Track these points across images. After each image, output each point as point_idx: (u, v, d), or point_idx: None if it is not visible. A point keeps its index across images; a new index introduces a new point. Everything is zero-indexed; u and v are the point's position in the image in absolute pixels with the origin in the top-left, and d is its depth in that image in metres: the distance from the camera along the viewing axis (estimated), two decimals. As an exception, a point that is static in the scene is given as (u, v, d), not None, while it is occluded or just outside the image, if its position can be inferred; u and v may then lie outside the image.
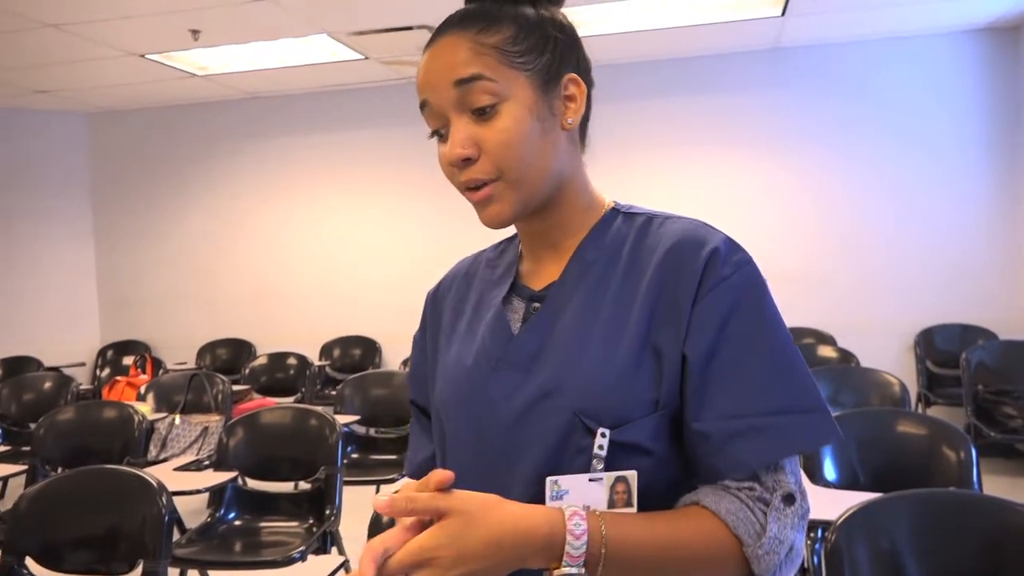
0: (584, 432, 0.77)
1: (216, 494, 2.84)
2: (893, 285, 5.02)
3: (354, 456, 3.75)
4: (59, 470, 3.01)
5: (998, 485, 3.98)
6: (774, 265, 5.02)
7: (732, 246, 0.81)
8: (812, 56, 5.12)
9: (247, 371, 5.19)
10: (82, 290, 6.43)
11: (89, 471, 2.15)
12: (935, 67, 4.95)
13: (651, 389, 0.78)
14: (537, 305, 0.87)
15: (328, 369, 5.74)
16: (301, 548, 2.59)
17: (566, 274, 0.86)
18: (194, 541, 2.67)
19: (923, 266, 4.98)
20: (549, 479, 0.75)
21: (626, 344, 0.79)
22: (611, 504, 0.75)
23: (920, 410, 4.71)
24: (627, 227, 0.87)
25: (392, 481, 3.41)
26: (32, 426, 3.31)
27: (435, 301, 1.00)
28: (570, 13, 0.89)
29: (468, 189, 0.83)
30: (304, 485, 2.91)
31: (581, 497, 0.74)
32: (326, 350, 5.90)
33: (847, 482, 2.19)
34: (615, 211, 0.90)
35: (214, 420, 3.59)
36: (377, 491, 3.39)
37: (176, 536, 2.64)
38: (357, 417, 3.70)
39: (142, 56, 4.82)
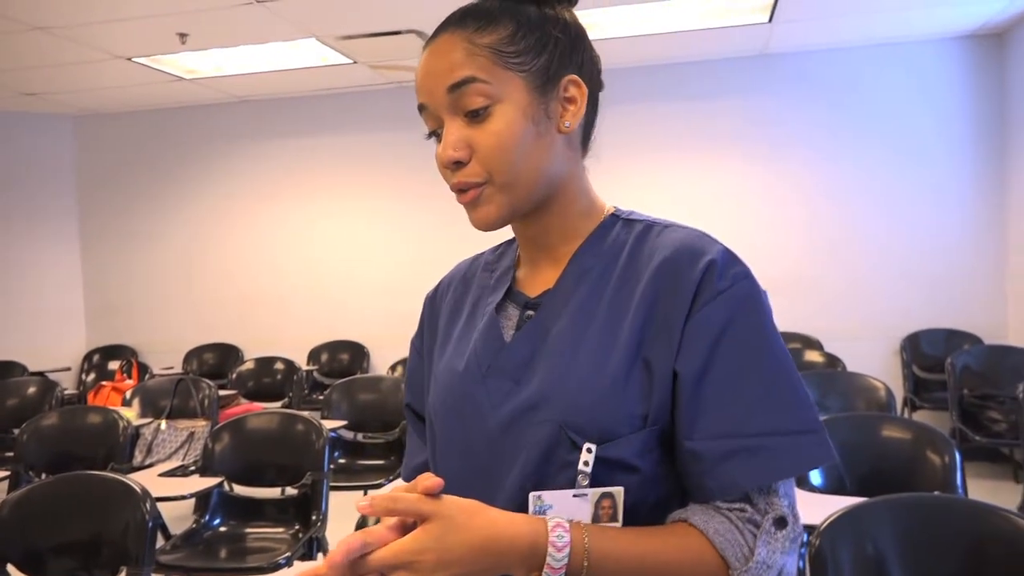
0: (570, 446, 0.76)
1: (201, 500, 2.82)
2: (879, 290, 5.05)
3: (341, 461, 3.73)
4: (43, 476, 2.98)
5: (983, 489, 4.00)
6: (761, 270, 5.00)
7: (730, 258, 0.79)
8: (799, 62, 5.15)
9: (234, 376, 5.16)
10: (68, 294, 6.38)
11: (72, 477, 2.13)
12: (921, 73, 4.98)
13: (640, 404, 0.76)
14: (531, 313, 0.86)
15: (316, 374, 5.71)
16: (287, 554, 2.57)
17: (561, 281, 0.85)
18: (179, 547, 2.65)
19: (909, 271, 5.01)
20: (532, 494, 0.74)
21: (617, 357, 0.77)
22: (596, 520, 0.74)
23: (906, 414, 4.73)
24: (626, 234, 0.86)
25: (379, 486, 3.40)
26: (16, 432, 3.28)
27: (433, 304, 0.99)
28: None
29: (459, 191, 0.82)
30: (290, 491, 2.89)
31: (565, 513, 0.74)
32: (314, 355, 5.87)
33: (833, 487, 2.20)
34: (615, 217, 0.88)
35: (200, 425, 3.57)
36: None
37: (161, 542, 2.62)
38: (344, 422, 3.68)
39: (129, 59, 4.79)
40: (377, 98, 5.77)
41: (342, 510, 2.85)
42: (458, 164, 0.80)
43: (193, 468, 2.91)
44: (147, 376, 5.27)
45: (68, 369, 6.24)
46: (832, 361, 4.11)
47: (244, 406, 4.29)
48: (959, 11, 4.44)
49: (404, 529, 0.70)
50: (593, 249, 0.86)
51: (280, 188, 6.05)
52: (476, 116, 0.79)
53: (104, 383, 4.70)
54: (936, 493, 2.02)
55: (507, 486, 0.78)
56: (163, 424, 3.57)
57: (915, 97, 4.99)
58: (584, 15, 4.19)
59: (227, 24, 4.21)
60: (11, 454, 3.18)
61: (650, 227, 0.86)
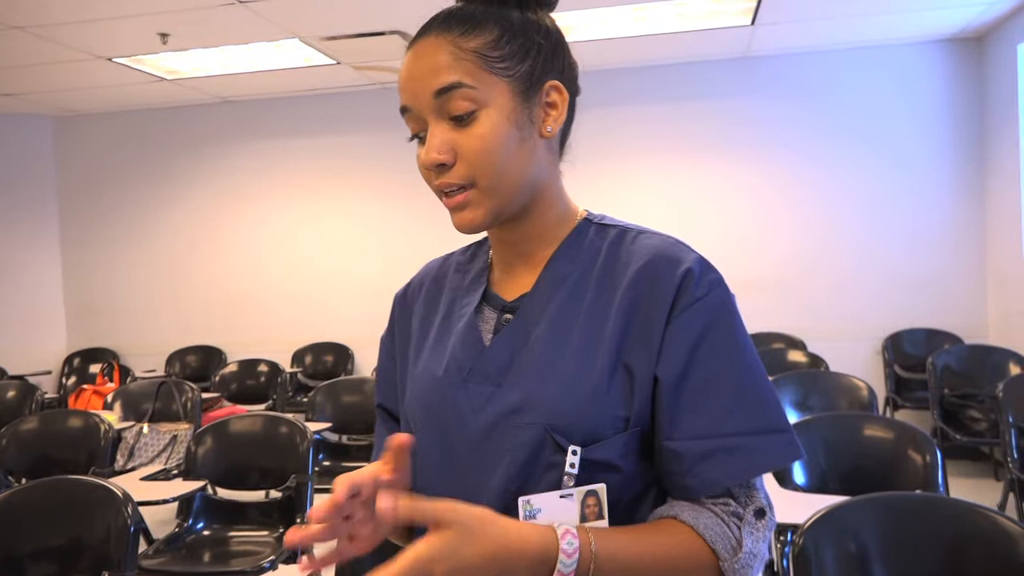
0: (555, 449, 0.77)
1: (184, 503, 2.80)
2: (861, 290, 5.09)
3: (325, 464, 3.72)
4: (22, 481, 2.94)
5: (964, 487, 4.04)
6: (744, 271, 5.08)
7: (705, 266, 0.81)
8: (781, 65, 5.18)
9: (217, 378, 5.13)
10: (48, 296, 6.31)
11: (52, 481, 2.12)
12: (902, 76, 5.03)
13: (622, 407, 0.78)
14: (509, 316, 0.86)
15: (300, 376, 5.68)
16: (271, 558, 2.56)
17: (539, 286, 0.86)
18: (161, 552, 2.63)
19: (891, 272, 5.05)
20: (522, 499, 0.75)
21: (599, 362, 0.79)
22: (583, 518, 0.76)
23: (888, 414, 4.77)
24: (600, 239, 0.87)
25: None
26: (-5, 436, 3.24)
27: (404, 303, 0.98)
28: (542, 20, 0.88)
29: (443, 194, 0.82)
30: (275, 493, 2.87)
31: (554, 514, 0.75)
32: (297, 357, 5.84)
33: (816, 486, 2.21)
34: (588, 221, 0.89)
35: (183, 428, 3.54)
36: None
37: (143, 547, 2.60)
38: (328, 424, 3.67)
39: (110, 60, 4.75)
40: (360, 100, 5.76)
41: (327, 513, 2.84)
42: (441, 167, 0.80)
43: (176, 472, 2.89)
44: (129, 379, 5.23)
45: (49, 372, 6.17)
46: (815, 361, 4.14)
47: (227, 409, 4.26)
48: (939, 15, 4.48)
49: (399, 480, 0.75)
50: (569, 254, 0.86)
51: (263, 189, 6.01)
52: (461, 120, 0.79)
53: (85, 386, 4.65)
54: (918, 492, 2.04)
55: (490, 489, 0.79)
56: (145, 427, 3.54)
57: (896, 99, 5.04)
58: (566, 16, 4.21)
59: (209, 24, 4.18)
60: (-10, 459, 3.14)
61: (623, 233, 0.87)
